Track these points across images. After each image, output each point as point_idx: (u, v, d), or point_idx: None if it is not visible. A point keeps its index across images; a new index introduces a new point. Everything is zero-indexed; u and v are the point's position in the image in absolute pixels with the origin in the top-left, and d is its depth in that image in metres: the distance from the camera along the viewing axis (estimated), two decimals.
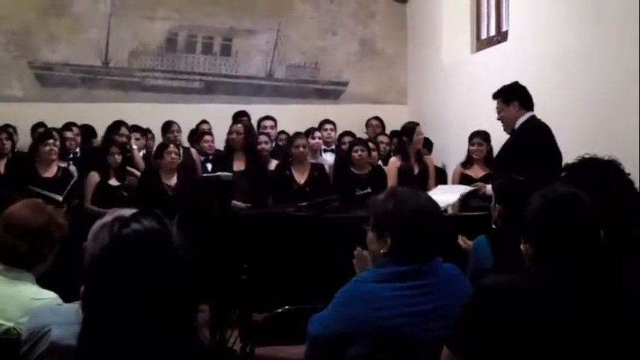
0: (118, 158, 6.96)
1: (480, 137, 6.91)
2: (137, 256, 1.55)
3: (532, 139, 5.22)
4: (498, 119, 5.51)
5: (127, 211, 2.24)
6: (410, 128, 7.02)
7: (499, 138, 5.61)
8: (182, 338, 1.56)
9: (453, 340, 2.18)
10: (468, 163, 6.99)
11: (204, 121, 8.58)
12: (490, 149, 6.87)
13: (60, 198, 6.30)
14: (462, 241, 4.50)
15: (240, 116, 8.11)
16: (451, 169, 7.43)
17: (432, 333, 2.40)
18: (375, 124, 8.85)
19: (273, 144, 7.90)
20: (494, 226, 4.12)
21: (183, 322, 1.58)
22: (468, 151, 6.99)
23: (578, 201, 2.12)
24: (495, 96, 5.51)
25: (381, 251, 2.59)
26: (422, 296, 2.50)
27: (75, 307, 2.24)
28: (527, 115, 5.34)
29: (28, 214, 2.78)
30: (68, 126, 8.00)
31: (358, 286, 2.56)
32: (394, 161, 6.98)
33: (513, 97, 5.39)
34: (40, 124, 8.09)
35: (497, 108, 5.48)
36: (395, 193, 2.68)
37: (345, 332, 2.48)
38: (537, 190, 2.18)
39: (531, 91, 5.43)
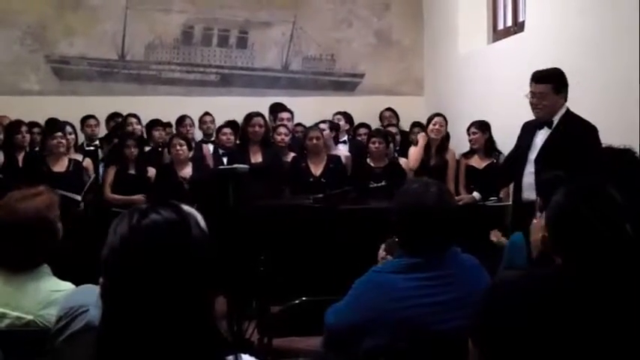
0: (134, 151, 6.99)
1: (475, 126, 7.00)
2: (156, 246, 1.56)
3: (590, 135, 4.58)
4: (537, 106, 4.81)
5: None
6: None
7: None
8: (200, 329, 1.57)
9: (473, 335, 2.15)
10: (469, 153, 7.10)
11: (206, 113, 8.40)
12: (489, 138, 6.94)
13: (79, 198, 6.32)
14: (494, 236, 4.44)
15: (275, 109, 8.06)
16: None
17: (448, 324, 2.40)
18: (389, 116, 8.83)
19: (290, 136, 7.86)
20: (534, 221, 4.04)
21: (202, 313, 1.59)
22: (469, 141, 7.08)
23: (604, 194, 2.01)
24: (545, 79, 4.75)
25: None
26: (437, 287, 2.50)
27: None
28: (565, 107, 4.81)
29: None
30: (87, 117, 8.11)
31: (375, 276, 2.57)
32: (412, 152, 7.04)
33: (564, 86, 4.74)
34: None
35: (542, 93, 4.74)
36: (403, 188, 2.70)
37: (361, 323, 2.48)
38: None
39: None
